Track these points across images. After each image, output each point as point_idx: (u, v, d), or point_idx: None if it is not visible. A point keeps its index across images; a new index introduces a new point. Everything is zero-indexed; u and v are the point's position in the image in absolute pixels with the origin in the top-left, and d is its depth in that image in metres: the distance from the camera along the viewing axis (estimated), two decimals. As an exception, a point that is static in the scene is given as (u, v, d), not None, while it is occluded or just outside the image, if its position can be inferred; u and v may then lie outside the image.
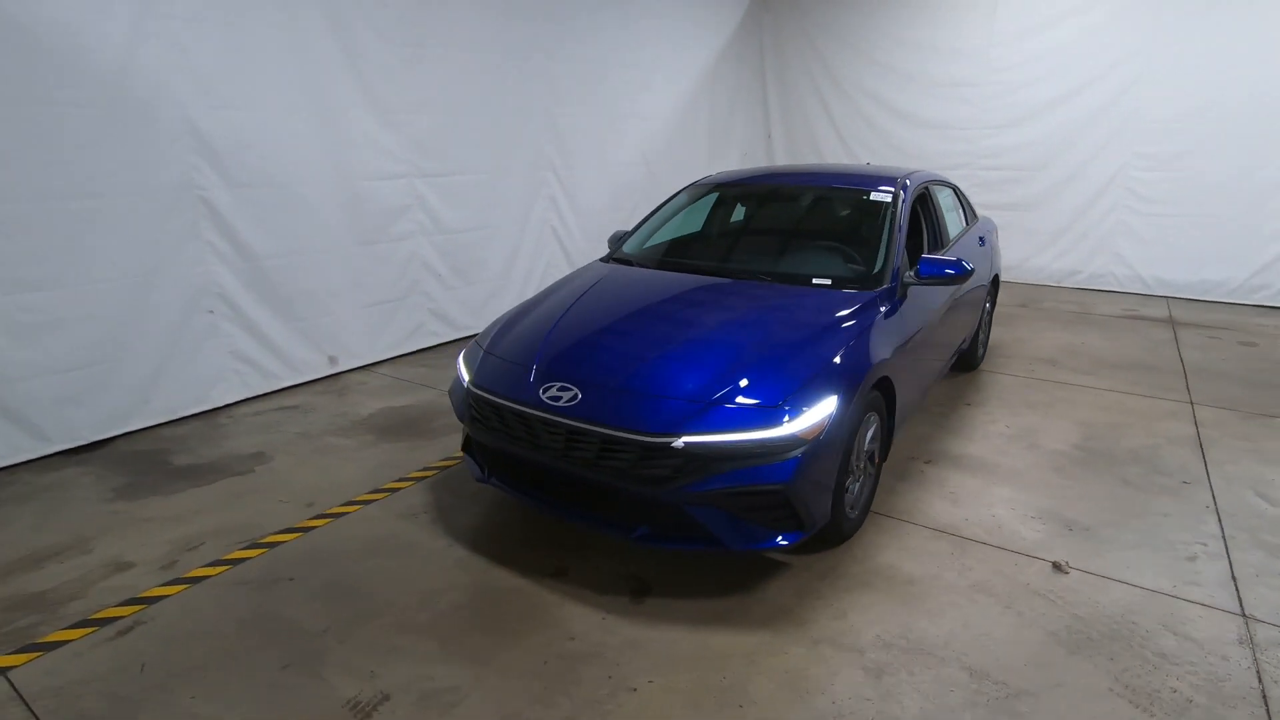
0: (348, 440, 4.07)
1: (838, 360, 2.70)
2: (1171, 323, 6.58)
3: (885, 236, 3.48)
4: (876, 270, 3.32)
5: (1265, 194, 7.02)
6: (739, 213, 4.33)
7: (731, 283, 3.43)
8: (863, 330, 2.91)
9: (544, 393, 2.71)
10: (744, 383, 2.56)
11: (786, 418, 2.45)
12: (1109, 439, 4.01)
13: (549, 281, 6.85)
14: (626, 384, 2.65)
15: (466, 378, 3.04)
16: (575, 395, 2.65)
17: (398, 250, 5.49)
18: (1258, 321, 6.63)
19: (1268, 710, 2.10)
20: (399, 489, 3.48)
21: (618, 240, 4.33)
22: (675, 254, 4.05)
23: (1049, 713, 2.09)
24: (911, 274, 3.39)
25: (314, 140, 4.81)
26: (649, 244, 4.12)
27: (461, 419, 3.07)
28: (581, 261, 7.15)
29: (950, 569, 2.81)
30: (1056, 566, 2.82)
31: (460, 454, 3.73)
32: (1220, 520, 3.16)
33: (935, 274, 3.35)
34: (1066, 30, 7.64)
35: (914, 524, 3.14)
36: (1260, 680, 2.21)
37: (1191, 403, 4.57)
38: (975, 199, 7.85)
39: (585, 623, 2.50)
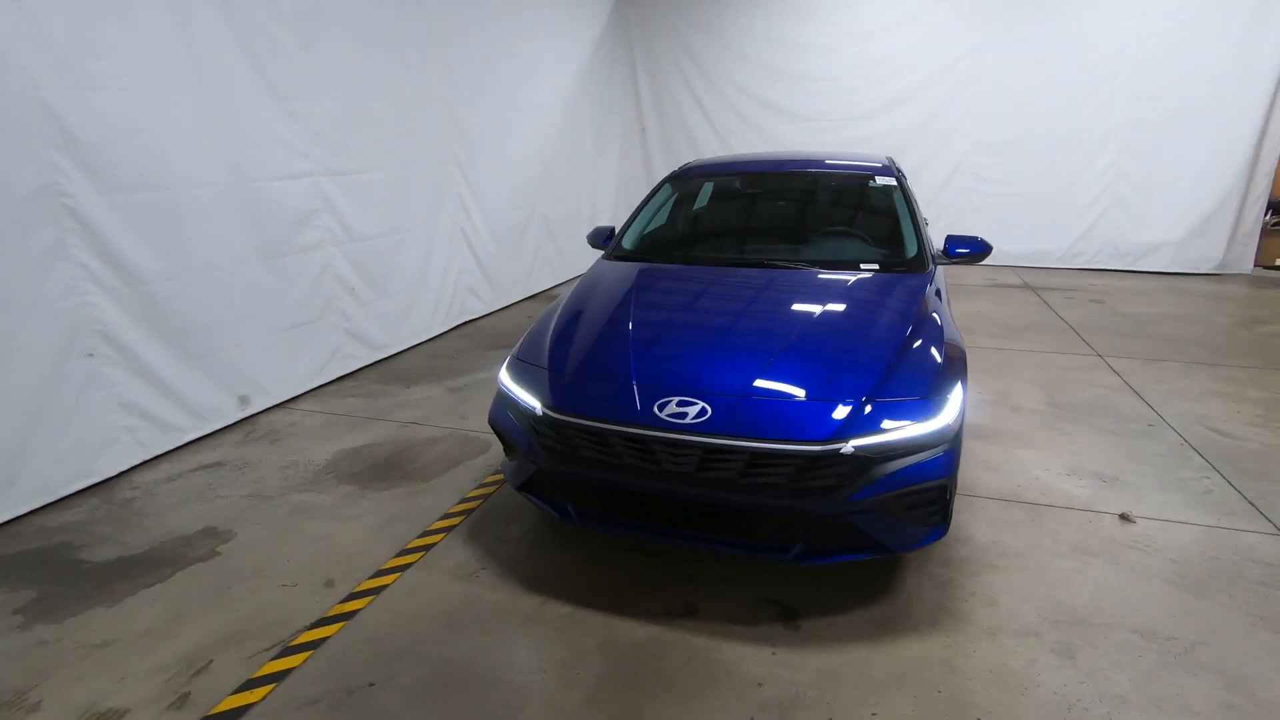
0: (322, 496, 3.33)
1: (947, 346, 2.66)
2: (1030, 288, 7.52)
3: (910, 219, 3.52)
4: (916, 253, 3.35)
5: (1076, 175, 8.27)
6: (743, 202, 4.17)
7: (785, 274, 3.26)
8: (941, 313, 2.90)
9: (660, 410, 2.37)
10: (887, 378, 2.42)
11: (936, 410, 2.35)
12: (1066, 394, 4.44)
13: (464, 288, 6.29)
14: (764, 391, 2.39)
15: (535, 404, 2.58)
16: (703, 410, 2.34)
17: (307, 263, 4.63)
18: (1089, 282, 7.79)
19: (1365, 615, 2.39)
20: (429, 545, 2.90)
21: (604, 236, 3.99)
22: (701, 248, 3.81)
23: (1229, 658, 2.21)
24: (940, 253, 3.47)
25: (203, 131, 3.88)
26: (656, 239, 3.83)
27: (529, 454, 2.60)
28: (491, 265, 6.62)
29: (1042, 536, 2.90)
30: (1124, 517, 3.02)
31: (486, 488, 3.22)
32: (1201, 455, 3.60)
33: (959, 252, 3.45)
34: (912, 30, 8.40)
35: (979, 496, 3.22)
36: (1340, 590, 2.52)
37: (1099, 355, 5.21)
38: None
39: (759, 663, 2.22)
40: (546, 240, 7.69)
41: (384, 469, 3.59)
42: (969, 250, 3.48)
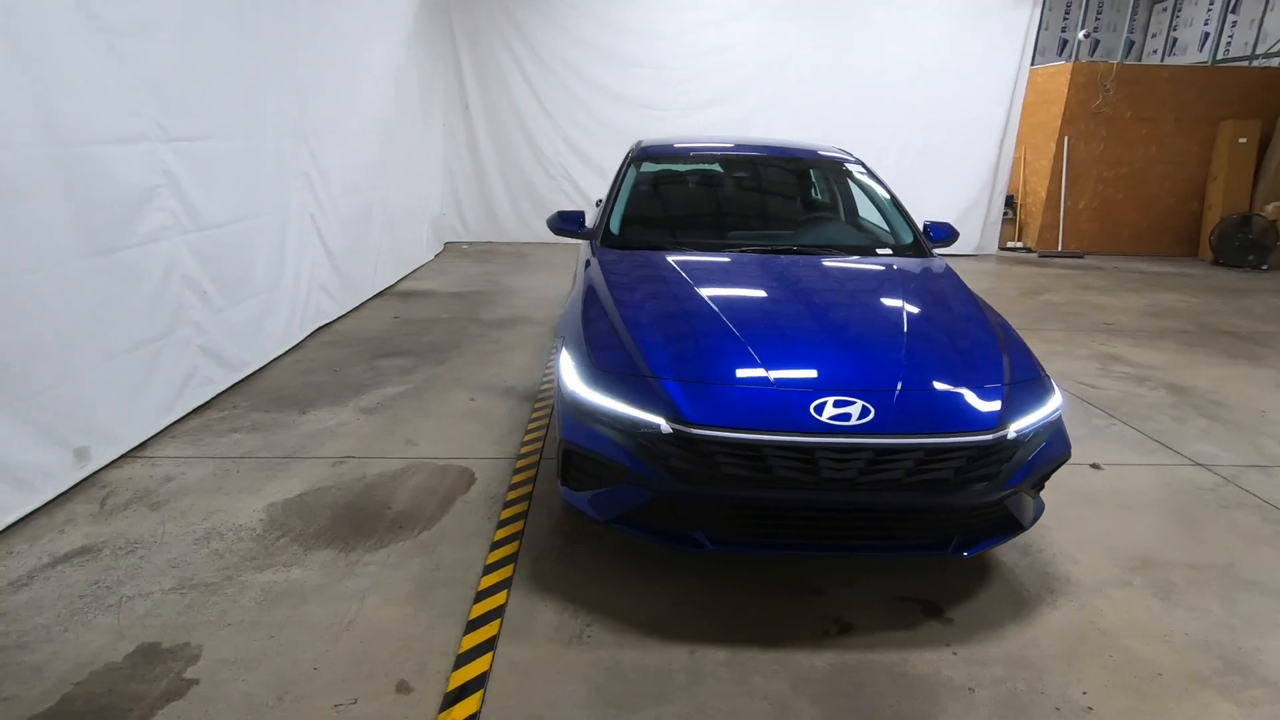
0: (296, 570, 2.48)
1: (1010, 328, 2.78)
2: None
3: (895, 204, 3.63)
4: (915, 238, 3.46)
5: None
6: (730, 186, 3.97)
7: (820, 260, 3.17)
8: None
9: (820, 413, 2.14)
10: (1010, 361, 2.45)
11: (1051, 387, 2.44)
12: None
13: (317, 287, 5.23)
14: (916, 384, 2.26)
15: (655, 419, 2.16)
16: (865, 409, 2.15)
17: (150, 259, 3.43)
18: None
19: (1295, 520, 3.03)
20: (498, 609, 2.31)
21: (575, 220, 3.54)
22: (712, 234, 3.56)
23: (1260, 572, 2.62)
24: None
25: (5, 71, 2.63)
26: (656, 224, 3.53)
27: (643, 479, 2.19)
28: (342, 258, 5.63)
29: (1052, 492, 3.17)
30: (1095, 466, 3.47)
31: (510, 526, 2.68)
32: (1094, 406, 4.29)
33: (935, 238, 3.66)
34: (738, 27, 8.81)
35: (978, 464, 3.46)
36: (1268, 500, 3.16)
37: (955, 327, 5.98)
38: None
39: (952, 667, 2.12)
40: (387, 229, 6.71)
41: (355, 522, 2.79)
42: (941, 236, 3.70)
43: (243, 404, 3.89)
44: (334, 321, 5.49)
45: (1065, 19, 11.86)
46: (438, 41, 8.32)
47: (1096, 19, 11.70)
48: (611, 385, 2.30)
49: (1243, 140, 9.30)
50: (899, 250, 3.39)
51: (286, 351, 4.71)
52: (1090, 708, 1.98)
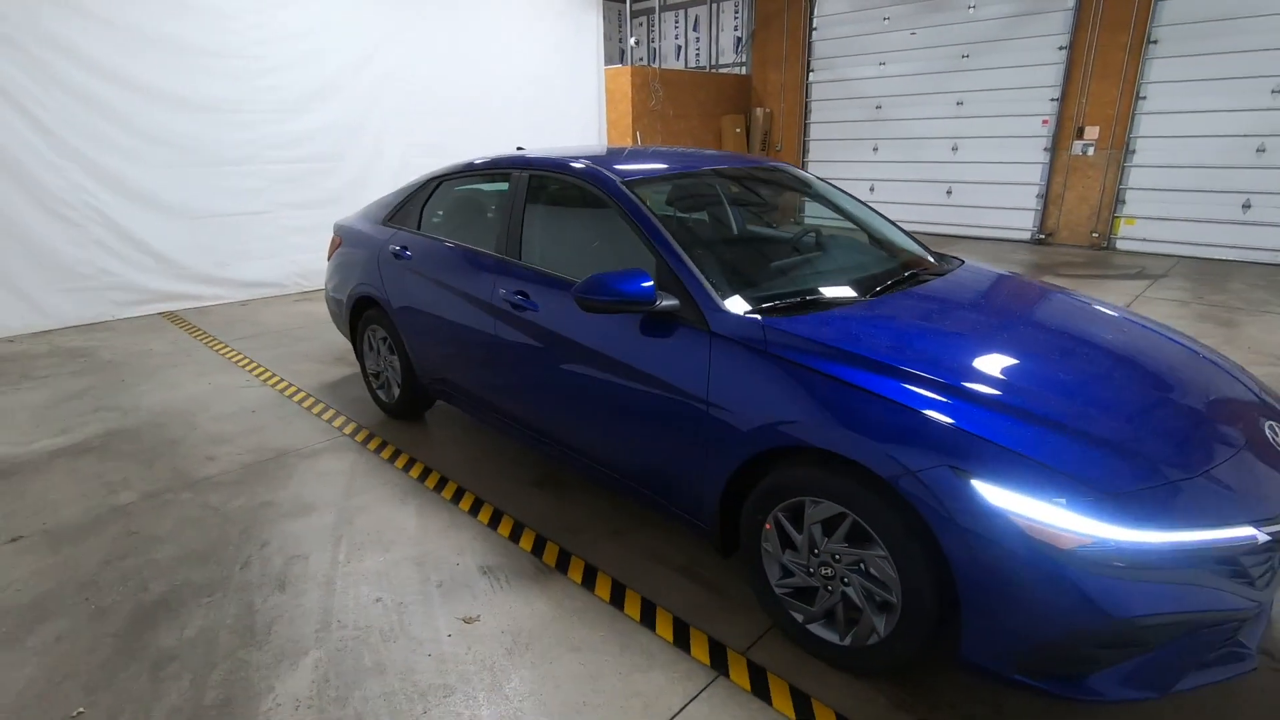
0: None
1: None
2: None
3: (880, 215, 3.35)
4: (920, 243, 3.25)
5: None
6: (741, 214, 2.99)
7: (940, 281, 2.70)
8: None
9: (1282, 462, 1.92)
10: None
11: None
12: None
13: None
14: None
15: (1243, 531, 1.61)
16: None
17: None
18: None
19: None
20: None
21: (636, 282, 2.28)
22: (810, 275, 2.73)
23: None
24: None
25: None
26: (744, 275, 2.52)
27: (1235, 614, 1.62)
28: None
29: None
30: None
31: None
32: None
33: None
34: (323, 8, 6.94)
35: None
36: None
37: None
38: (280, 197, 6.89)
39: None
40: None
41: None
42: None
43: None
44: None
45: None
46: None
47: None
48: (1153, 507, 1.58)
49: (738, 130, 11.95)
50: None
51: None
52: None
